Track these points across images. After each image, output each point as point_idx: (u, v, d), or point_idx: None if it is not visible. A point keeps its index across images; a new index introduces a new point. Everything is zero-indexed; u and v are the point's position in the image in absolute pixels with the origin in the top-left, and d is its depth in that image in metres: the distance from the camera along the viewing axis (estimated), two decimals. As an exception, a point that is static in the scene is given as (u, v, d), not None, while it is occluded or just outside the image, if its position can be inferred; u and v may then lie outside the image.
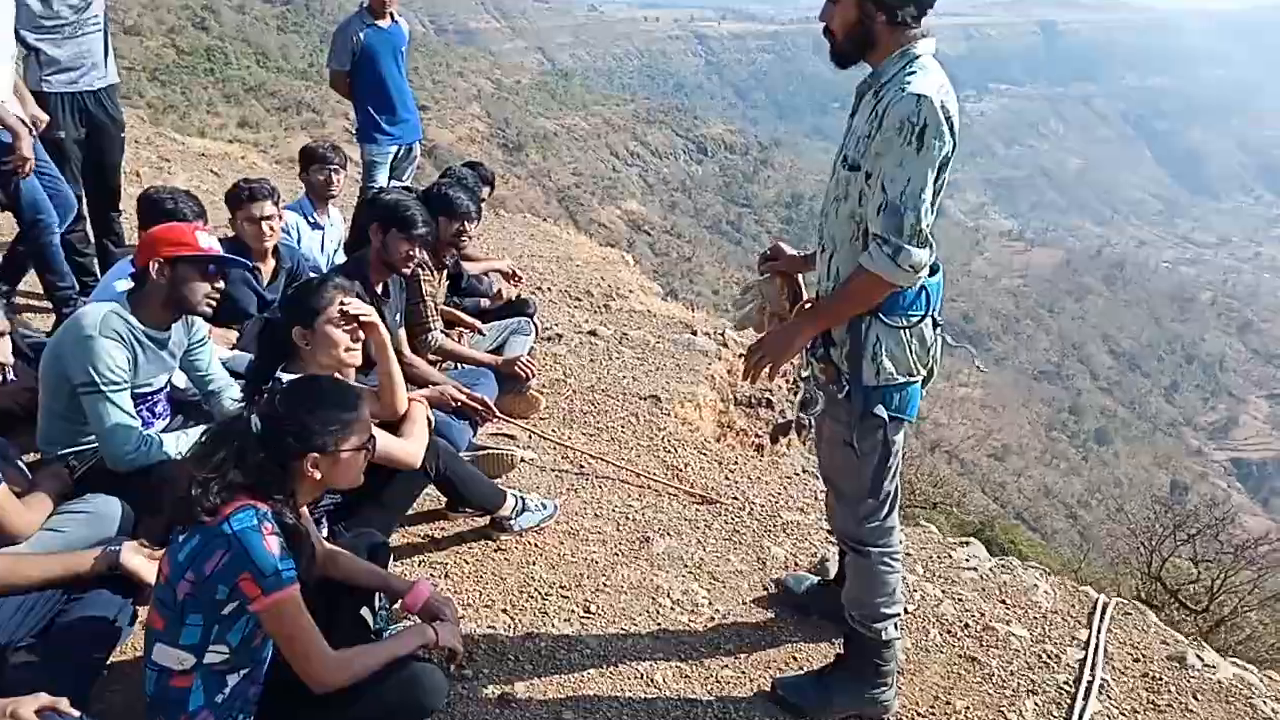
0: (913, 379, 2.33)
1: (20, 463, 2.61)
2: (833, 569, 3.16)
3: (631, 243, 74.19)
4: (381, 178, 5.76)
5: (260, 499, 2.03)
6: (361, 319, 2.73)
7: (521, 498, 3.33)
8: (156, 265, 2.78)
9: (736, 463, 4.27)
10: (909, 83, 2.12)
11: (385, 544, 2.70)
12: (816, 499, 4.05)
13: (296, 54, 63.26)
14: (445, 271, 4.36)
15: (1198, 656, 3.06)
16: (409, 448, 2.82)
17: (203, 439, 2.13)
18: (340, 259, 5.04)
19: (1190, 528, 15.60)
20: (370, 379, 3.06)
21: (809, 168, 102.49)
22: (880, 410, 2.31)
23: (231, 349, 3.85)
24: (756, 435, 5.62)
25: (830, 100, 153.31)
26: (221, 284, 3.00)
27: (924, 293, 2.29)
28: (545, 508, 3.40)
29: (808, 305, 2.52)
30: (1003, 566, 3.57)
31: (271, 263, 4.18)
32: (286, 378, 2.64)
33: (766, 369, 2.40)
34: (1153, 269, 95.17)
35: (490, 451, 3.72)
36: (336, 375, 2.64)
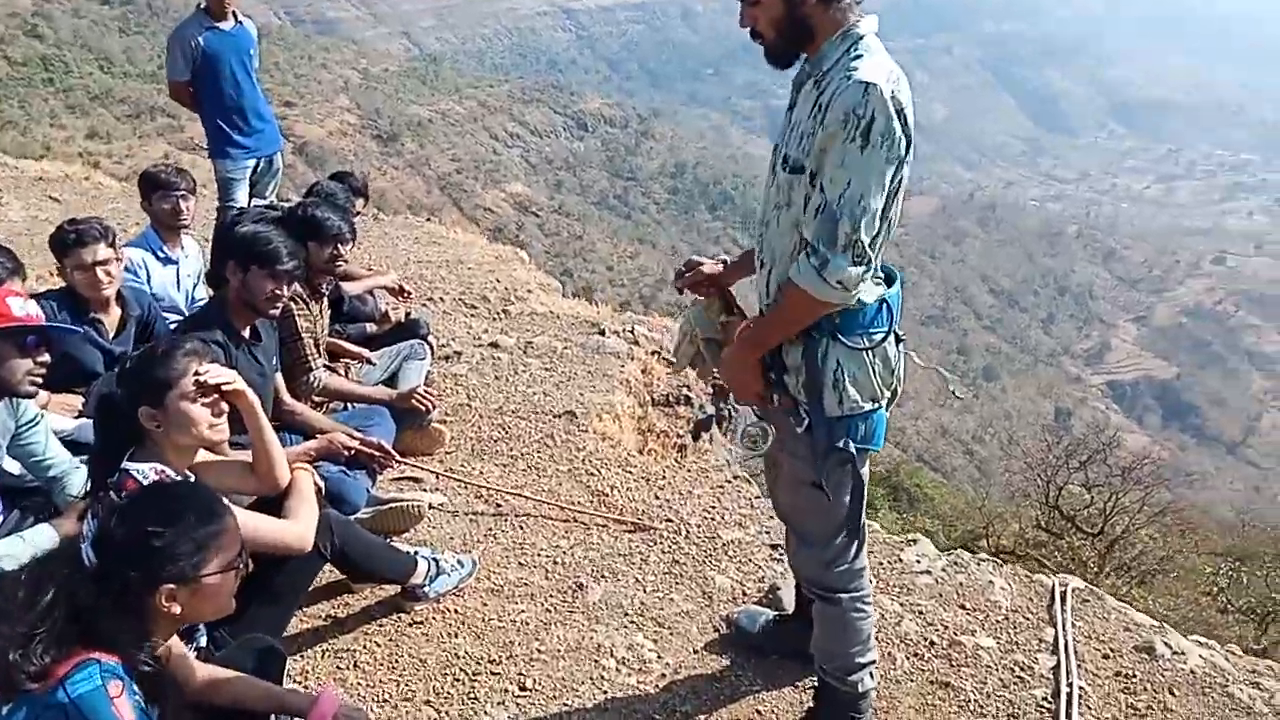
0: (877, 405, 2.06)
1: None
2: (787, 599, 2.90)
3: (520, 225, 73.26)
4: (241, 195, 5.20)
5: (104, 650, 1.62)
6: (224, 388, 2.29)
7: (434, 559, 2.95)
8: None
9: (664, 477, 3.98)
10: (855, 68, 1.83)
11: (277, 650, 2.28)
12: (753, 508, 3.80)
13: (143, 57, 59.56)
14: (324, 299, 3.89)
15: (1165, 644, 2.94)
16: (296, 529, 2.41)
17: (22, 578, 1.69)
18: (201, 294, 4.50)
19: (1080, 455, 16.38)
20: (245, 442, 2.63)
21: (689, 136, 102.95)
22: (846, 444, 2.03)
23: (76, 417, 3.33)
24: (678, 435, 5.33)
25: (703, 67, 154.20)
26: (46, 356, 2.52)
27: (884, 307, 2.01)
28: (462, 566, 3.02)
29: (743, 326, 2.21)
30: (955, 565, 3.39)
31: (117, 311, 3.63)
32: (136, 469, 2.20)
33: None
34: (1021, 208, 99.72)
35: (394, 505, 3.32)
36: (188, 474, 2.22)
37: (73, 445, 3.03)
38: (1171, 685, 2.76)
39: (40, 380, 2.52)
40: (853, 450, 2.03)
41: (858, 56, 1.86)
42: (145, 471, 2.19)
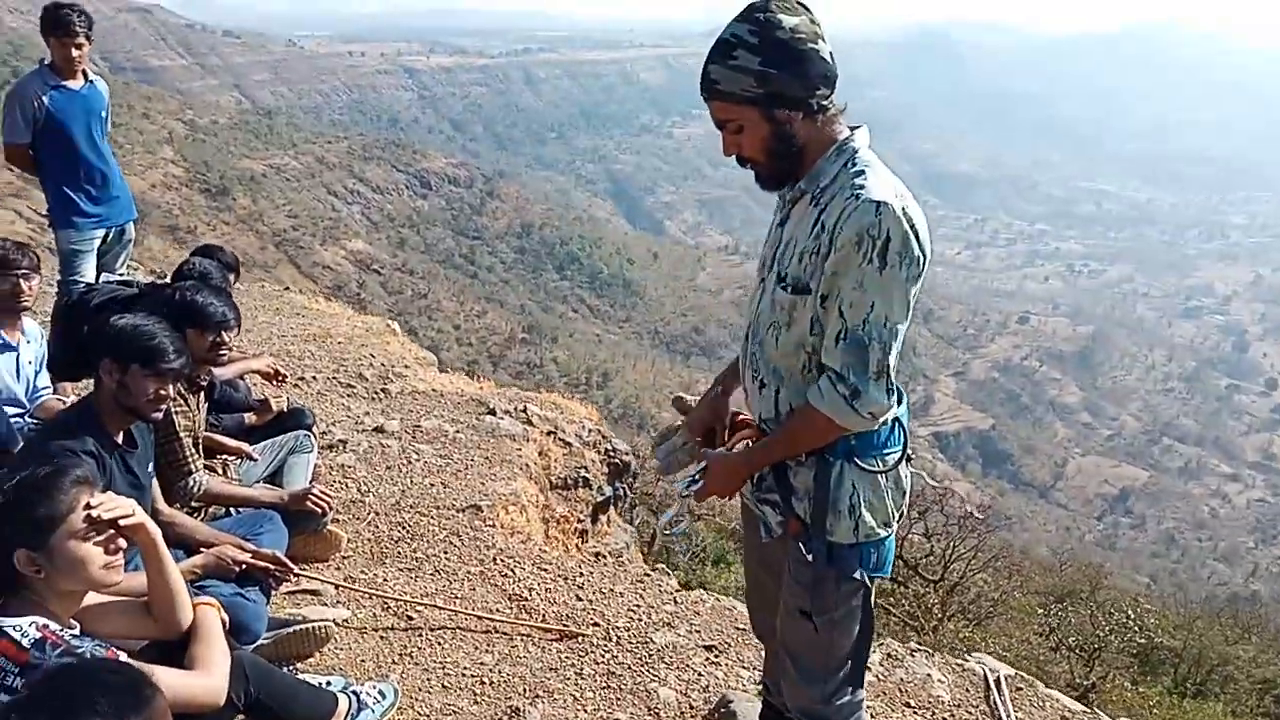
0: (890, 530, 1.96)
1: None
2: (744, 713, 2.74)
3: (362, 283, 71.06)
4: (87, 269, 4.66)
5: None
6: (121, 522, 1.93)
7: (354, 693, 2.61)
8: None
9: (582, 573, 3.75)
10: (861, 187, 1.74)
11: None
12: (677, 604, 3.64)
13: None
14: (201, 392, 3.48)
15: (1105, 730, 2.97)
16: (208, 681, 2.05)
17: None
18: (44, 382, 3.95)
19: (919, 505, 17.24)
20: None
21: (535, 197, 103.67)
22: (860, 573, 1.91)
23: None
24: (579, 520, 5.13)
25: (546, 131, 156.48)
26: None
27: (898, 426, 1.92)
28: (384, 697, 2.69)
29: (744, 435, 2.07)
30: (890, 659, 3.34)
31: (-52, 411, 3.10)
32: (13, 626, 1.80)
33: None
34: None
35: (297, 629, 2.94)
36: (73, 623, 1.85)
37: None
38: (1119, 775, 2.78)
39: None
40: (866, 580, 1.92)
41: (859, 173, 1.78)
42: (25, 629, 1.80)
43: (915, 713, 3.03)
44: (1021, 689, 3.25)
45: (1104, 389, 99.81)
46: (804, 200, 1.87)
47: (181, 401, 3.20)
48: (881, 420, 1.82)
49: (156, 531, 2.08)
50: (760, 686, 2.57)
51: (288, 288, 8.75)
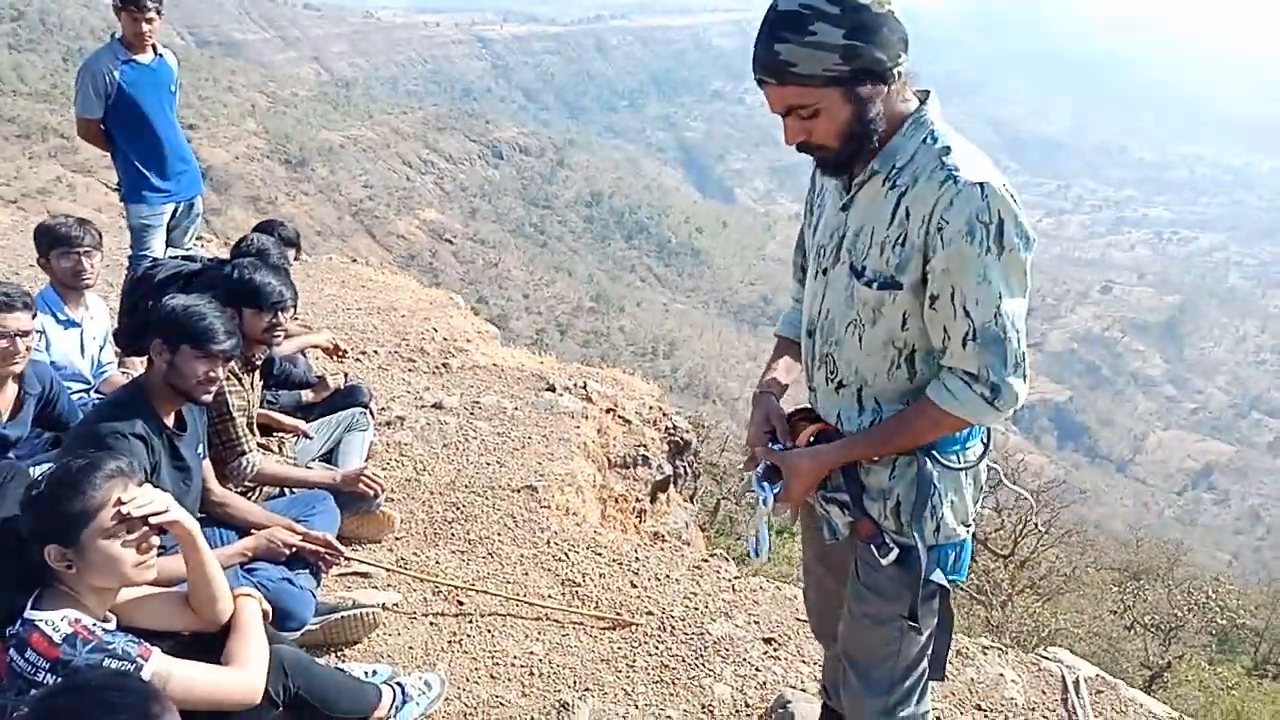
0: (969, 529, 1.80)
1: None
2: (802, 715, 2.61)
3: (434, 253, 72.18)
4: (156, 244, 4.69)
5: None
6: (154, 519, 1.88)
7: (398, 684, 2.56)
8: None
9: (638, 559, 3.65)
10: (956, 168, 1.55)
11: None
12: (735, 591, 3.51)
13: (34, 74, 56.80)
14: (256, 371, 3.46)
15: (1196, 746, 2.75)
16: (244, 679, 2.00)
17: None
18: (108, 357, 3.99)
19: (991, 480, 16.85)
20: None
21: (605, 166, 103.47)
22: (938, 575, 1.76)
23: (-38, 517, 2.82)
24: (637, 499, 5.03)
25: (618, 99, 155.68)
26: None
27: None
28: (429, 688, 2.64)
29: (809, 431, 1.85)
30: (961, 657, 3.16)
31: (12, 389, 3.13)
32: (44, 620, 1.77)
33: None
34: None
35: (345, 615, 2.91)
36: (109, 617, 1.81)
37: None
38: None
39: None
40: (944, 582, 1.77)
41: (945, 150, 1.58)
42: (57, 624, 1.77)
43: (986, 716, 2.86)
44: (1103, 691, 3.04)
45: (1190, 361, 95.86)
46: (874, 182, 1.67)
47: (236, 381, 3.18)
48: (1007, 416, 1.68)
49: (194, 525, 2.03)
50: (820, 688, 2.42)
51: (354, 259, 8.81)
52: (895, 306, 1.66)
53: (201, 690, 1.88)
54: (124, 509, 1.82)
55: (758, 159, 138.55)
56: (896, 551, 1.75)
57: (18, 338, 2.96)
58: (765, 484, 1.83)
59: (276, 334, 3.30)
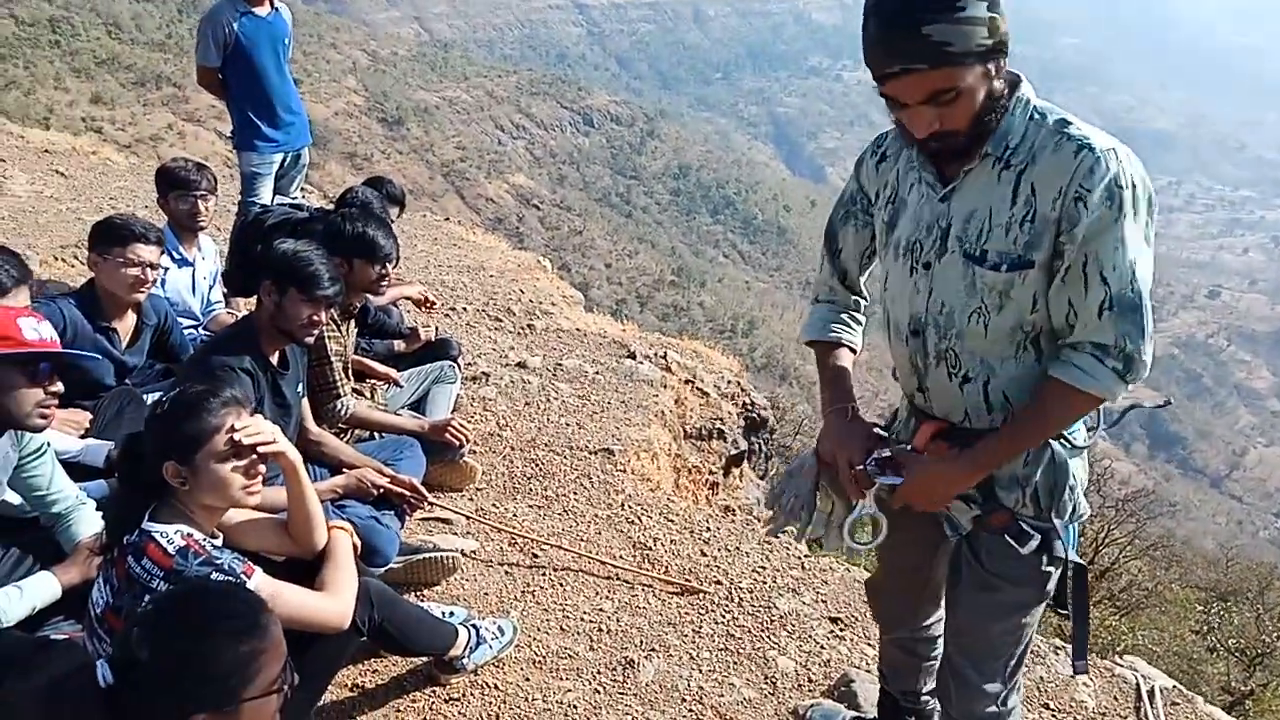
0: (1087, 506, 1.79)
1: None
2: (864, 697, 2.62)
3: (521, 217, 72.98)
4: (265, 191, 4.89)
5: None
6: (262, 449, 1.99)
7: (474, 626, 2.66)
8: None
9: (709, 529, 3.69)
10: (1084, 138, 1.51)
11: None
12: (804, 569, 3.52)
13: (151, 24, 59.01)
14: (353, 319, 3.59)
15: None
16: (335, 605, 2.10)
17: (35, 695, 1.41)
18: (217, 296, 4.19)
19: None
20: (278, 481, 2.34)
21: (694, 139, 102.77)
22: (1074, 555, 1.75)
23: (83, 436, 3.02)
24: (711, 471, 5.07)
25: (712, 71, 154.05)
26: (60, 386, 2.22)
27: None
28: (502, 634, 2.73)
29: (930, 429, 1.78)
30: (1032, 656, 3.11)
31: (132, 318, 3.33)
32: (159, 531, 1.90)
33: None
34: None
35: (426, 556, 3.03)
36: (215, 533, 1.93)
37: (76, 468, 2.74)
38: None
39: (48, 413, 2.22)
40: (1076, 559, 1.75)
41: (1063, 122, 1.54)
42: (171, 536, 1.89)
43: (1054, 715, 2.82)
44: (1178, 704, 2.97)
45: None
46: (984, 166, 1.59)
47: (334, 327, 3.30)
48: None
49: (297, 458, 2.14)
50: (879, 673, 2.43)
51: (448, 218, 9.00)
52: (1026, 287, 1.60)
53: (297, 610, 2.00)
54: (236, 435, 1.93)
55: (851, 138, 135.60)
56: (1038, 539, 1.72)
57: (147, 268, 3.15)
58: (881, 475, 1.75)
59: (383, 285, 3.42)
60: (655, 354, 5.46)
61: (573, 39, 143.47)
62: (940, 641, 2.18)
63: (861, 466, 1.77)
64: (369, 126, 69.71)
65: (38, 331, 2.17)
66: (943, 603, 2.09)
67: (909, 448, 1.79)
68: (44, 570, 2.32)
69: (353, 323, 3.60)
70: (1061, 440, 1.71)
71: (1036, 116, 1.57)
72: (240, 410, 1.98)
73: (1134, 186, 1.50)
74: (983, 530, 1.79)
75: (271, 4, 4.71)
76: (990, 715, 1.91)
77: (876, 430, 1.85)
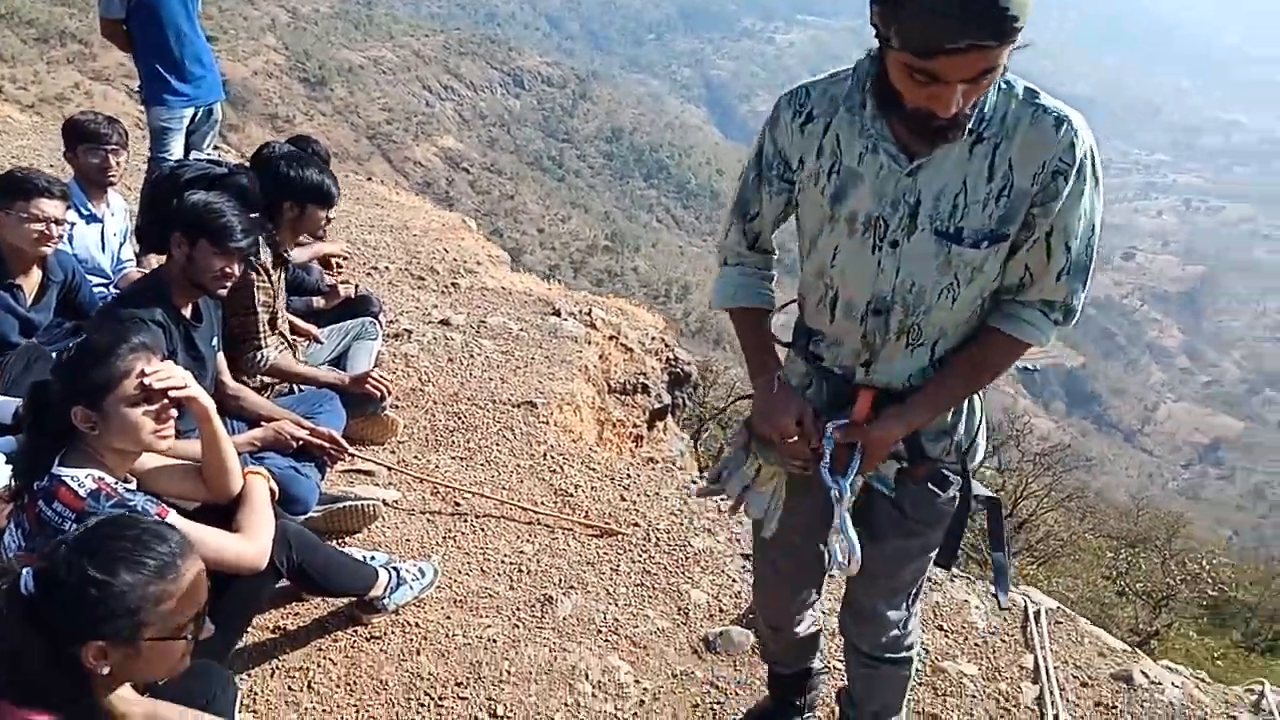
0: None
1: None
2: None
3: (450, 181, 71.69)
4: (176, 147, 4.78)
5: (38, 708, 1.39)
6: (173, 393, 2.02)
7: (394, 568, 2.73)
8: None
9: (629, 476, 3.81)
10: (1055, 110, 1.52)
11: (227, 679, 2.06)
12: (720, 513, 3.66)
13: (53, -25, 55.86)
14: (286, 268, 3.58)
15: (1142, 673, 2.91)
16: (251, 546, 2.15)
17: None
18: (128, 254, 4.12)
19: (995, 440, 16.93)
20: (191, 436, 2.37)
21: (627, 101, 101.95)
22: (983, 490, 1.87)
23: (-9, 394, 2.98)
24: (634, 425, 5.18)
25: (645, 31, 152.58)
26: None
27: None
28: (423, 575, 2.81)
29: (868, 398, 1.75)
30: (930, 583, 3.31)
31: (37, 275, 3.27)
32: (70, 476, 1.93)
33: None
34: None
35: (346, 505, 3.08)
36: (128, 479, 1.96)
37: (-17, 425, 2.71)
38: (1151, 717, 2.74)
39: None
40: (994, 496, 1.88)
41: (1032, 93, 1.53)
42: (82, 480, 1.92)
43: (947, 635, 3.02)
44: (1061, 623, 3.20)
45: (1207, 334, 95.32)
46: (967, 142, 1.53)
47: (265, 277, 3.30)
48: None
49: (209, 403, 2.17)
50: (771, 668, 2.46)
51: (370, 178, 8.87)
52: (997, 258, 1.61)
53: (213, 552, 2.04)
54: (146, 380, 1.96)
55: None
56: (959, 483, 1.81)
57: (51, 223, 3.09)
58: (838, 477, 1.71)
59: (324, 232, 3.44)
60: (580, 311, 5.53)
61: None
62: (809, 617, 2.22)
63: (818, 438, 1.73)
64: (290, 87, 67.47)
65: None
66: (817, 591, 2.17)
67: (845, 420, 1.74)
68: (-47, 522, 2.31)
69: (284, 272, 3.58)
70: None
71: (1004, 86, 1.53)
72: (150, 355, 2.01)
73: (1094, 156, 1.55)
74: (909, 481, 1.82)
75: (179, -49, 4.58)
76: (898, 638, 2.02)
77: (802, 401, 1.79)
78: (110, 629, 1.42)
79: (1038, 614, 3.23)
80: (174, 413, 2.05)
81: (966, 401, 1.78)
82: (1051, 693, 2.77)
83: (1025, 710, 2.71)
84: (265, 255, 3.28)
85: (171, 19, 4.56)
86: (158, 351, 2.06)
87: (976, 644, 3.00)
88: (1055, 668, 2.92)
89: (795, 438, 1.73)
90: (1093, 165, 1.54)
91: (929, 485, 1.82)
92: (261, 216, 3.35)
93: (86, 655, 1.42)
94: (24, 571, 1.47)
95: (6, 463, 2.53)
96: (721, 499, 3.73)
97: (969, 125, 1.50)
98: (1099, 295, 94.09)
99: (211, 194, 2.86)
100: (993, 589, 3.32)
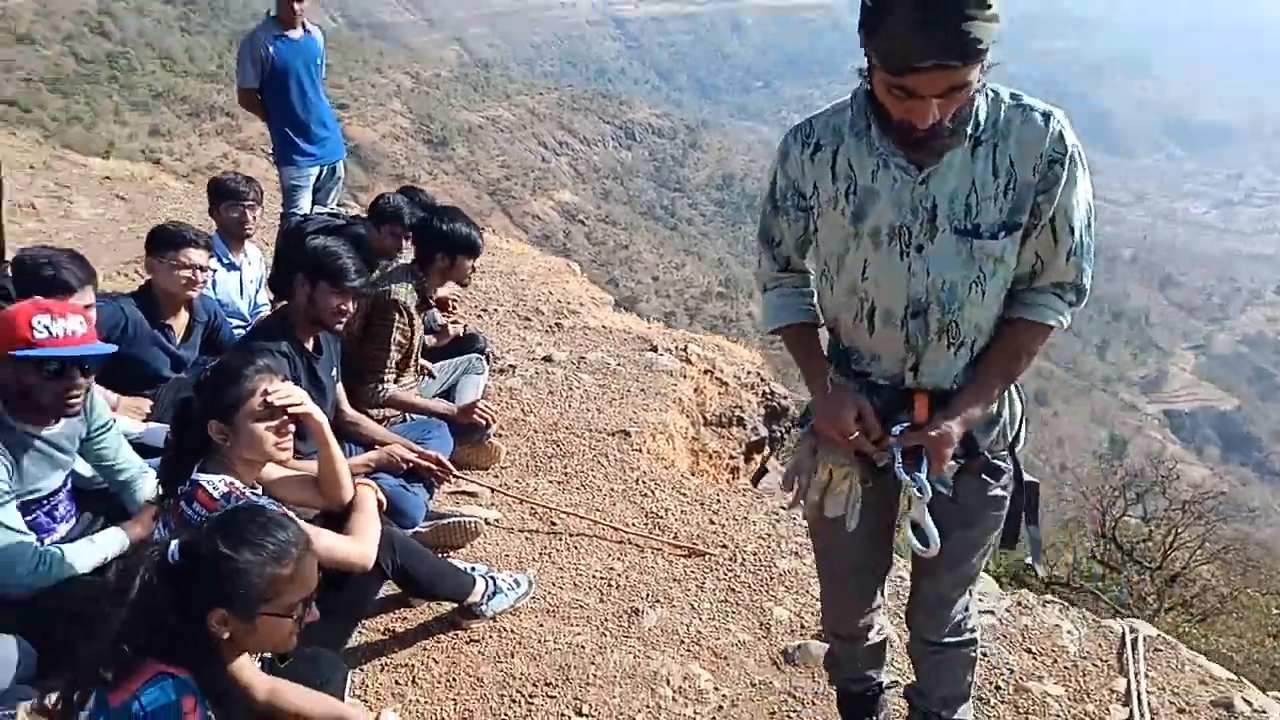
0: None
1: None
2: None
3: (567, 233, 73.68)
4: (304, 202, 5.26)
5: (175, 663, 1.63)
6: (292, 410, 2.30)
7: (492, 578, 2.93)
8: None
9: (719, 501, 3.93)
10: (1040, 109, 1.70)
11: (339, 664, 2.29)
12: (808, 536, 3.72)
13: (204, 56, 60.98)
14: (429, 310, 3.93)
15: (1244, 700, 2.82)
16: (360, 547, 2.40)
17: (114, 573, 1.73)
18: (263, 299, 4.55)
19: (1138, 486, 15.85)
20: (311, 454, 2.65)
21: (737, 148, 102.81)
22: (1028, 475, 1.97)
23: (145, 420, 3.37)
24: (730, 456, 5.29)
25: (752, 79, 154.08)
26: (81, 382, 2.41)
27: None
28: (518, 585, 3.00)
29: (925, 401, 1.86)
30: (1020, 606, 3.29)
31: (185, 316, 3.69)
32: (206, 480, 2.21)
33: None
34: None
35: (451, 521, 3.32)
36: (255, 486, 2.23)
37: (141, 449, 3.07)
38: (1251, 744, 2.65)
39: (73, 404, 2.41)
40: (1033, 480, 1.98)
41: (1016, 97, 1.71)
42: (216, 484, 2.20)
43: (1035, 658, 2.99)
44: (1161, 650, 3.11)
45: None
46: (967, 148, 1.69)
47: (408, 318, 3.61)
48: None
49: (323, 418, 2.44)
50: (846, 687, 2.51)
51: (483, 229, 9.35)
52: (1012, 249, 1.75)
53: (325, 550, 2.28)
54: (269, 398, 2.24)
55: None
56: (1010, 471, 1.94)
57: (197, 270, 3.51)
58: (915, 474, 1.80)
59: (470, 277, 3.81)
60: (676, 347, 5.71)
61: (612, 54, 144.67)
62: (877, 623, 2.29)
63: (881, 434, 1.82)
64: (415, 148, 71.14)
65: (50, 330, 2.31)
66: (881, 594, 2.25)
67: (905, 424, 1.83)
68: (114, 527, 2.65)
69: (426, 314, 3.91)
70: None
71: (991, 94, 1.70)
72: (273, 377, 2.29)
73: (1078, 146, 1.71)
74: (965, 475, 1.92)
75: (304, 27, 5.10)
76: (961, 622, 2.13)
77: (859, 398, 1.88)
78: (231, 600, 1.66)
79: (1135, 640, 3.16)
80: (292, 428, 2.32)
81: (1008, 393, 1.89)
82: (1142, 714, 2.71)
83: (1113, 731, 2.67)
84: (411, 299, 3.61)
85: (298, 86, 5.07)
86: (279, 374, 2.35)
87: (1066, 667, 2.97)
88: (1150, 693, 2.85)
89: (856, 434, 1.82)
90: (1080, 154, 1.70)
91: (983, 477, 1.92)
92: (414, 265, 3.71)
93: (211, 620, 1.65)
94: (173, 543, 1.72)
95: (157, 478, 2.88)
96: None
97: (969, 131, 1.67)
98: (1250, 331, 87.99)
99: (329, 238, 3.19)
100: (1082, 614, 3.27)
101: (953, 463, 1.87)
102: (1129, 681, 2.88)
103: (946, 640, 2.14)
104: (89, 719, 1.64)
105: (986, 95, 1.69)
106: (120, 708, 1.60)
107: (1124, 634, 3.21)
